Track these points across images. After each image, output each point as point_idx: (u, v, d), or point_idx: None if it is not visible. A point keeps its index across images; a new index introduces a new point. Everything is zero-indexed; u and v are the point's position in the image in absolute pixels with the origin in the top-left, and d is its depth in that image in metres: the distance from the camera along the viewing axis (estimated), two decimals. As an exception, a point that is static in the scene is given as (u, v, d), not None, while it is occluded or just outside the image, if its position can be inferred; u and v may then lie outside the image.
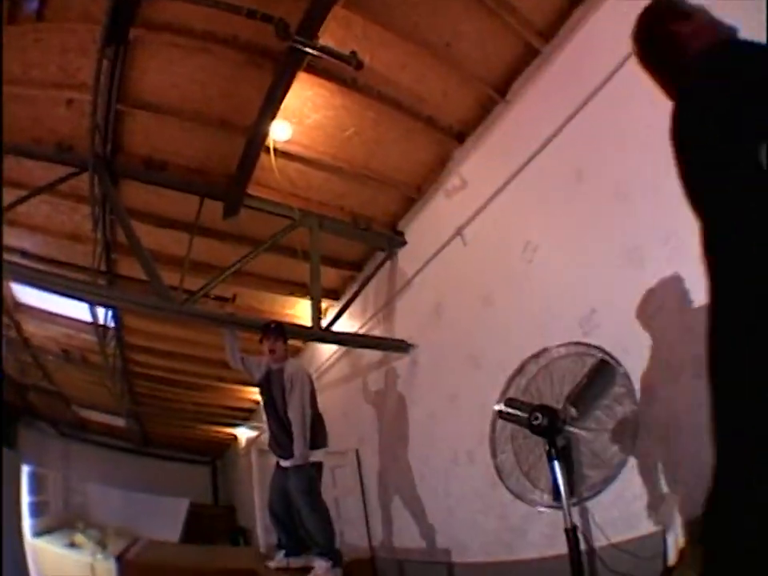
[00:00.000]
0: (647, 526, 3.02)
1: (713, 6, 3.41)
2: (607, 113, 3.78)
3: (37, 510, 9.97)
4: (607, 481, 3.04)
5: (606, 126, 3.78)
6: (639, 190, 3.45)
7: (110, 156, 5.14)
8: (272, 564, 4.83)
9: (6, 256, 5.90)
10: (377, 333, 6.48)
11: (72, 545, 9.36)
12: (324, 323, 5.87)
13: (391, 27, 4.20)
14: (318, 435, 4.67)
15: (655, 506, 2.98)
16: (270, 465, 5.47)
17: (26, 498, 9.75)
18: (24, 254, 6.64)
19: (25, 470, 10.14)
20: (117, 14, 3.77)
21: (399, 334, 6.13)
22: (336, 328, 6.21)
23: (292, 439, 4.51)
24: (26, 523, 9.39)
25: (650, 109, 3.51)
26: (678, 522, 2.81)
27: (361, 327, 6.80)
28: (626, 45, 3.36)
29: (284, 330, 4.96)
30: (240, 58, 4.39)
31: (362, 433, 6.71)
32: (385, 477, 6.23)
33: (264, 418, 4.94)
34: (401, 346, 5.96)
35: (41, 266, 6.38)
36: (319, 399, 4.92)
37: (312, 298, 5.82)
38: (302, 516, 4.54)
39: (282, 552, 4.79)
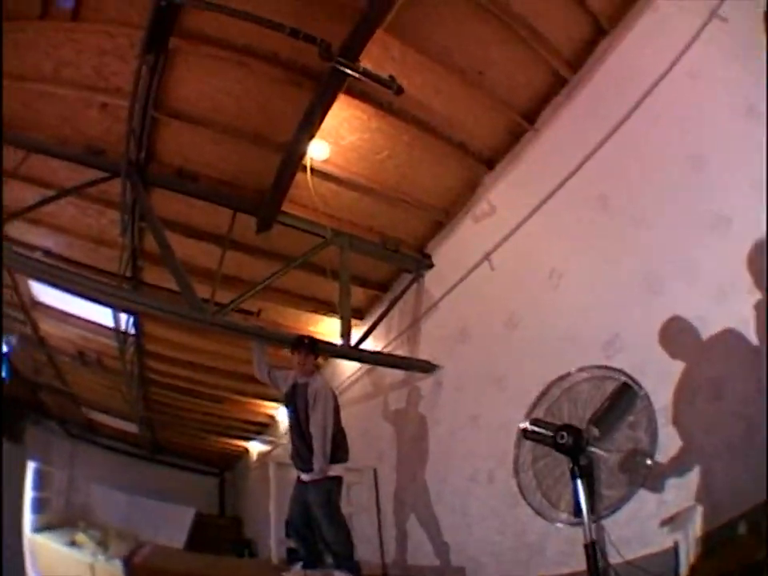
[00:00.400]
0: (661, 543, 3.05)
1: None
2: (632, 142, 3.91)
3: (39, 506, 10.05)
4: (624, 500, 3.07)
5: (630, 155, 3.91)
6: (661, 218, 3.55)
7: (143, 163, 5.27)
8: (288, 575, 4.84)
9: (28, 253, 6.11)
10: (401, 353, 6.55)
11: (72, 543, 9.27)
12: (351, 341, 5.97)
13: (426, 52, 4.40)
14: (338, 450, 4.70)
15: (669, 523, 3.01)
16: (287, 478, 5.53)
17: (28, 494, 9.89)
18: (47, 252, 6.74)
19: (30, 465, 10.29)
20: (158, 21, 3.91)
21: (423, 354, 6.20)
22: (362, 346, 6.30)
23: (312, 453, 4.56)
24: (27, 518, 9.54)
25: (673, 137, 3.66)
26: (691, 538, 2.84)
27: (385, 347, 6.88)
28: (650, 75, 3.51)
29: (316, 346, 5.00)
30: (279, 75, 4.56)
31: (380, 450, 6.75)
32: (402, 495, 6.26)
33: (287, 431, 4.99)
34: (426, 367, 6.03)
35: (65, 267, 6.42)
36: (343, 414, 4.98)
37: (342, 317, 5.93)
38: (322, 529, 4.57)
39: (299, 564, 4.79)
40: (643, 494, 3.12)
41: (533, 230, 4.83)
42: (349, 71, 4.01)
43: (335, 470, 4.65)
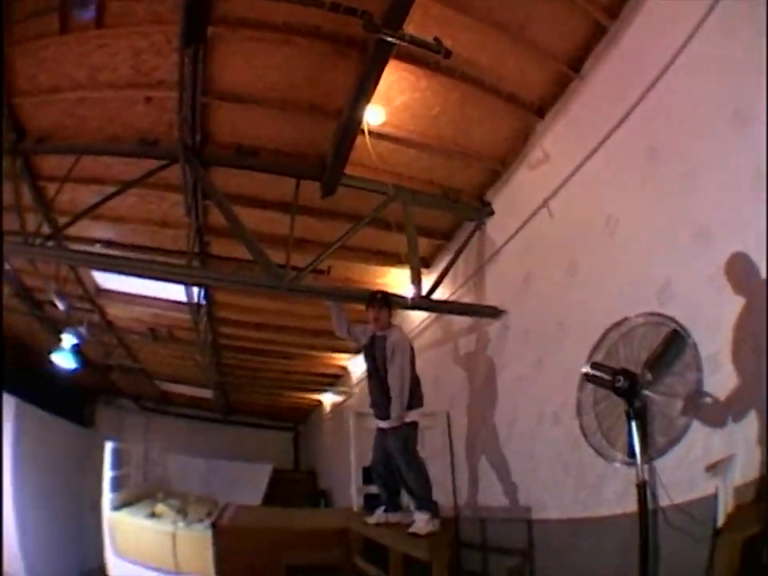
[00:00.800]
0: (704, 488, 3.20)
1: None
2: (674, 91, 3.92)
3: (118, 483, 10.27)
4: (673, 443, 3.28)
5: (677, 104, 3.90)
6: (709, 171, 3.59)
7: (199, 146, 5.59)
8: (370, 520, 5.24)
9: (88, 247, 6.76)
10: (467, 300, 6.77)
11: (153, 515, 9.63)
12: (421, 291, 6.23)
13: (467, 12, 4.43)
14: (413, 397, 4.91)
15: (712, 469, 3.17)
16: (365, 427, 5.90)
17: (107, 474, 10.07)
18: (110, 243, 7.36)
19: (107, 445, 10.50)
20: (192, 14, 4.11)
21: (490, 300, 6.37)
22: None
23: (390, 402, 4.83)
24: (107, 498, 9.76)
25: (714, 89, 3.63)
26: (730, 486, 3.00)
27: (452, 294, 7.11)
28: (688, 22, 3.48)
29: (389, 300, 5.22)
30: (324, 48, 4.71)
31: (452, 395, 7.07)
32: (473, 438, 6.57)
33: (366, 381, 5.26)
34: (492, 312, 6.21)
35: (136, 255, 7.06)
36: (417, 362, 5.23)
37: (411, 268, 6.20)
38: (402, 473, 4.88)
39: (381, 508, 5.18)
40: (692, 438, 3.31)
41: (587, 177, 4.86)
42: (395, 40, 4.12)
43: (411, 416, 4.90)
